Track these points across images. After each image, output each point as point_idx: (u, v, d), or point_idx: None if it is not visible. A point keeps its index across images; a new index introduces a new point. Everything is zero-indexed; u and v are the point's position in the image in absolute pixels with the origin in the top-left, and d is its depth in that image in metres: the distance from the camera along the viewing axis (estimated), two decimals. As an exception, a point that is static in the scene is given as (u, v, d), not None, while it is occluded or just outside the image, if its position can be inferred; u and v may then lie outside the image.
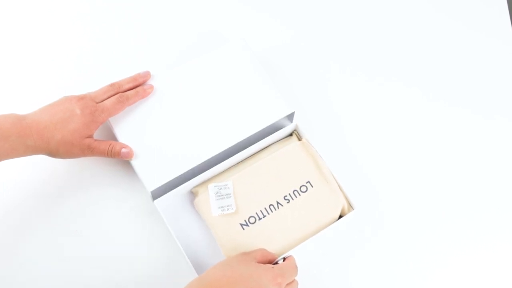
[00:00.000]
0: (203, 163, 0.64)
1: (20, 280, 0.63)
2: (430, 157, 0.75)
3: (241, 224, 0.62)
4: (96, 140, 0.62)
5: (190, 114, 0.67)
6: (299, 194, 0.64)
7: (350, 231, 0.69)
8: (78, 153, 0.61)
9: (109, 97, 0.63)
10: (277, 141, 0.69)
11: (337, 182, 0.65)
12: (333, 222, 0.63)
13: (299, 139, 0.69)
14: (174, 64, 0.76)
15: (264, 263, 0.57)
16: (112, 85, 0.65)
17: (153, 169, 0.63)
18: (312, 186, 0.65)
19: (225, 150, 0.65)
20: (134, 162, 0.64)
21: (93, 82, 0.69)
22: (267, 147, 0.69)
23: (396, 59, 0.82)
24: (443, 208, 0.71)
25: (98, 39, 0.80)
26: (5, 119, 0.57)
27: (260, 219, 0.62)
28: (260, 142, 0.67)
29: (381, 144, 0.75)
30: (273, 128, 0.69)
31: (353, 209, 0.65)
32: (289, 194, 0.64)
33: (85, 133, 0.60)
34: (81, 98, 0.61)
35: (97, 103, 0.62)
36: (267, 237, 0.62)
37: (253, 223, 0.62)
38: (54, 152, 0.60)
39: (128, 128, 0.65)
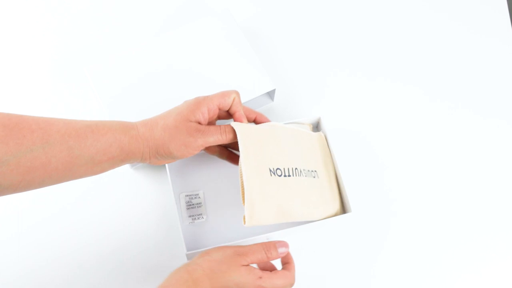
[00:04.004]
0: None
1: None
2: (432, 158, 0.74)
3: (270, 169, 0.57)
4: (203, 125, 0.55)
5: (172, 85, 0.69)
6: (313, 177, 0.61)
7: (352, 234, 0.68)
8: (186, 139, 0.53)
9: None
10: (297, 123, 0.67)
11: (339, 184, 0.64)
12: (319, 220, 0.61)
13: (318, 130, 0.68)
14: (157, 34, 0.80)
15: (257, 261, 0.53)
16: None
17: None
18: (318, 177, 0.62)
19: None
20: None
21: (82, 53, 0.75)
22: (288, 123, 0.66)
23: (396, 59, 0.81)
24: (451, 210, 0.71)
25: (81, 10, 0.82)
26: (109, 120, 0.53)
27: (285, 176, 0.58)
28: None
29: (382, 145, 0.74)
30: (253, 104, 0.71)
31: (347, 212, 0.63)
32: (309, 170, 0.61)
33: (189, 117, 0.53)
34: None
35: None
36: (286, 196, 0.57)
37: (279, 176, 0.57)
38: (159, 143, 0.53)
39: (113, 95, 0.68)
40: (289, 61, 0.79)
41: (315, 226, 0.62)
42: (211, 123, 0.58)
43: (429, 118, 0.77)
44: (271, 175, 0.56)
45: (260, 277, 0.50)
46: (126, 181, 0.69)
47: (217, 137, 0.55)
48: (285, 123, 0.64)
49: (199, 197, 0.66)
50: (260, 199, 0.54)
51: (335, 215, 0.63)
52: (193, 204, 0.66)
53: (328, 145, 0.66)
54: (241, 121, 0.57)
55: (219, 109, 0.56)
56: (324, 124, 0.67)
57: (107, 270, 0.64)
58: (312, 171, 0.62)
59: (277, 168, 0.57)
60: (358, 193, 0.69)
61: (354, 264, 0.67)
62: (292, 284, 0.53)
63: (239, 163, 0.55)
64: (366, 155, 0.73)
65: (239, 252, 0.51)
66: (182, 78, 0.69)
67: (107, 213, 0.67)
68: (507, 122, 0.77)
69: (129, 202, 0.68)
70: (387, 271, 0.66)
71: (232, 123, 0.56)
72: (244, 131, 0.55)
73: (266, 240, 0.58)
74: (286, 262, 0.56)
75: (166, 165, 0.64)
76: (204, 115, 0.54)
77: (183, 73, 0.70)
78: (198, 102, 0.54)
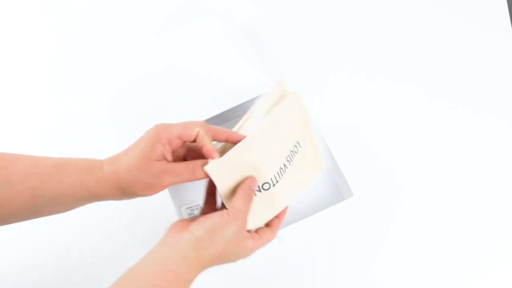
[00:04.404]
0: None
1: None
2: (433, 157, 0.74)
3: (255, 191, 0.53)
4: (169, 162, 0.50)
5: (172, 85, 0.69)
6: (296, 152, 0.56)
7: (354, 218, 0.69)
8: (151, 182, 0.49)
9: None
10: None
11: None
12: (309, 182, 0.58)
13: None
14: (157, 34, 0.79)
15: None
16: None
17: (134, 135, 0.61)
18: (301, 146, 0.57)
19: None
20: (117, 130, 0.65)
21: (82, 53, 0.75)
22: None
23: (396, 59, 0.81)
24: (449, 210, 0.70)
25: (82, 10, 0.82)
26: (84, 158, 0.50)
27: (273, 185, 0.54)
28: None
29: (383, 144, 0.74)
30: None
31: (348, 197, 0.64)
32: (293, 149, 0.56)
33: (151, 155, 0.48)
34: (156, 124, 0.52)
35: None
36: (277, 201, 0.54)
37: (266, 190, 0.54)
38: (124, 185, 0.49)
39: (113, 95, 0.67)
40: (289, 61, 0.79)
41: (321, 216, 0.63)
42: (178, 155, 0.54)
43: (429, 118, 0.76)
44: (256, 194, 0.53)
45: (251, 249, 0.51)
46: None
47: (185, 177, 0.50)
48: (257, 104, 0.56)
49: (200, 208, 0.66)
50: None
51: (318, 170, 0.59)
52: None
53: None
54: (210, 156, 0.50)
55: (182, 140, 0.51)
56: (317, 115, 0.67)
57: (108, 274, 0.64)
58: (295, 145, 0.57)
59: (264, 183, 0.54)
60: (361, 193, 0.69)
61: (358, 248, 0.68)
62: (273, 237, 0.53)
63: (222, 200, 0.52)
64: (367, 155, 0.73)
65: (247, 236, 0.50)
66: (182, 78, 0.69)
67: (107, 217, 0.67)
68: (507, 122, 0.77)
69: (130, 209, 0.68)
70: (389, 256, 0.67)
71: (205, 167, 0.50)
72: (218, 172, 0.51)
73: (277, 240, 0.57)
74: (276, 216, 0.54)
75: None
76: (165, 148, 0.50)
77: (183, 73, 0.70)
78: (158, 134, 0.49)
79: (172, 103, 0.68)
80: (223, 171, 0.51)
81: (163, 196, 0.67)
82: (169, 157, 0.50)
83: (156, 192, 0.51)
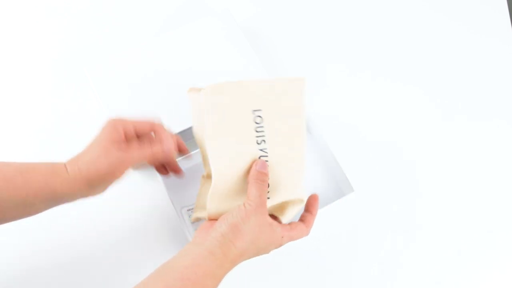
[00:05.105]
0: (180, 132, 0.66)
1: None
2: (433, 157, 0.74)
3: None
4: (126, 151, 0.53)
5: (171, 85, 0.69)
6: (263, 129, 0.52)
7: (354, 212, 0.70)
8: (110, 170, 0.51)
9: None
10: None
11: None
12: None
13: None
14: (157, 34, 0.79)
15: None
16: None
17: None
18: (261, 110, 0.51)
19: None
20: None
21: (82, 53, 0.76)
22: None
23: (396, 59, 0.81)
24: (449, 209, 0.71)
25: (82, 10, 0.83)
26: (47, 163, 0.51)
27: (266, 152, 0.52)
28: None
29: (383, 144, 0.74)
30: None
31: (348, 193, 0.65)
32: (258, 138, 0.52)
33: (109, 145, 0.51)
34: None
35: None
36: (288, 161, 0.52)
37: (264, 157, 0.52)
38: (89, 179, 0.51)
39: (113, 95, 0.68)
40: (289, 61, 0.79)
41: (323, 212, 0.63)
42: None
43: (429, 117, 0.76)
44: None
45: (282, 237, 0.52)
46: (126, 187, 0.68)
47: (144, 159, 0.54)
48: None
49: None
50: None
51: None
52: None
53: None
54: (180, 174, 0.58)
55: (136, 132, 0.54)
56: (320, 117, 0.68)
57: (110, 278, 0.64)
58: (254, 112, 0.51)
59: (260, 156, 0.52)
60: (362, 189, 0.68)
61: (359, 243, 0.68)
62: (307, 234, 0.55)
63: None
64: (367, 154, 0.73)
65: (274, 223, 0.52)
66: (182, 78, 0.69)
67: (107, 220, 0.67)
68: (507, 122, 0.77)
69: (129, 212, 0.68)
70: (390, 250, 0.67)
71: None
72: (215, 208, 0.53)
73: None
74: (309, 211, 0.55)
75: (163, 183, 0.64)
76: (121, 135, 0.53)
77: (183, 73, 0.70)
78: (114, 124, 0.53)
79: (172, 103, 0.68)
80: (218, 201, 0.53)
81: (163, 199, 0.67)
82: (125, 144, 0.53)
83: (119, 178, 0.53)
